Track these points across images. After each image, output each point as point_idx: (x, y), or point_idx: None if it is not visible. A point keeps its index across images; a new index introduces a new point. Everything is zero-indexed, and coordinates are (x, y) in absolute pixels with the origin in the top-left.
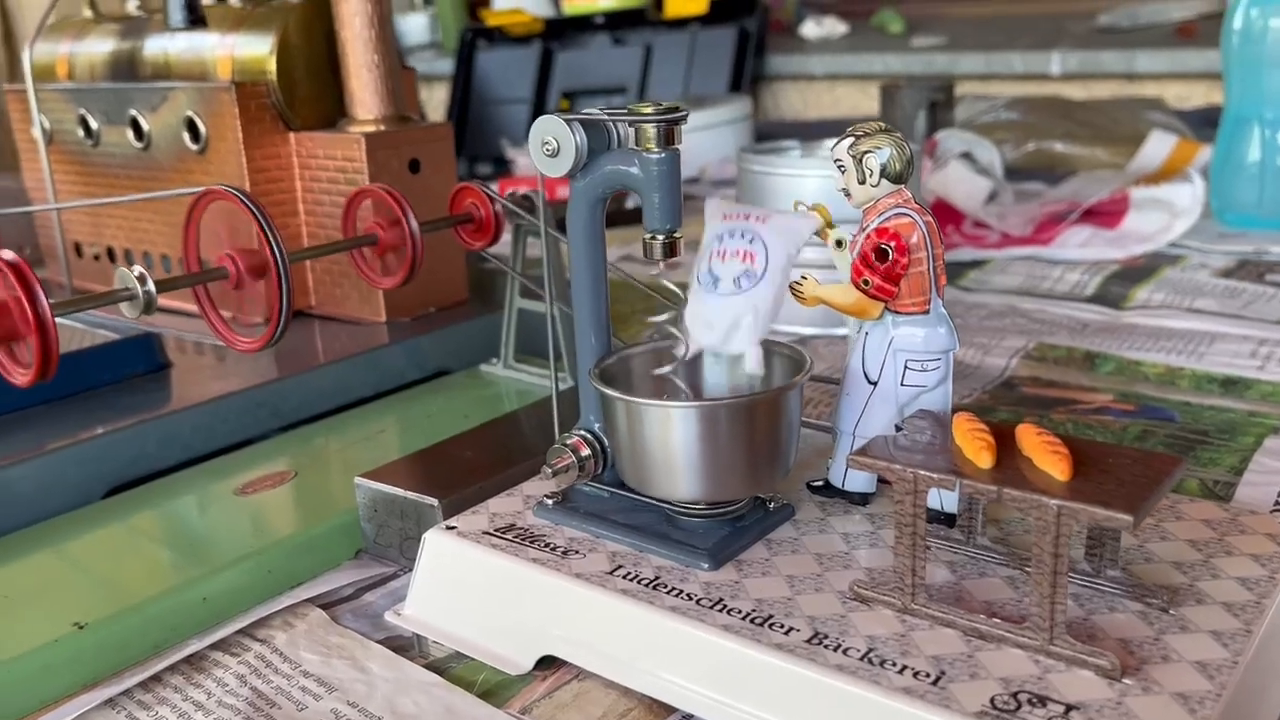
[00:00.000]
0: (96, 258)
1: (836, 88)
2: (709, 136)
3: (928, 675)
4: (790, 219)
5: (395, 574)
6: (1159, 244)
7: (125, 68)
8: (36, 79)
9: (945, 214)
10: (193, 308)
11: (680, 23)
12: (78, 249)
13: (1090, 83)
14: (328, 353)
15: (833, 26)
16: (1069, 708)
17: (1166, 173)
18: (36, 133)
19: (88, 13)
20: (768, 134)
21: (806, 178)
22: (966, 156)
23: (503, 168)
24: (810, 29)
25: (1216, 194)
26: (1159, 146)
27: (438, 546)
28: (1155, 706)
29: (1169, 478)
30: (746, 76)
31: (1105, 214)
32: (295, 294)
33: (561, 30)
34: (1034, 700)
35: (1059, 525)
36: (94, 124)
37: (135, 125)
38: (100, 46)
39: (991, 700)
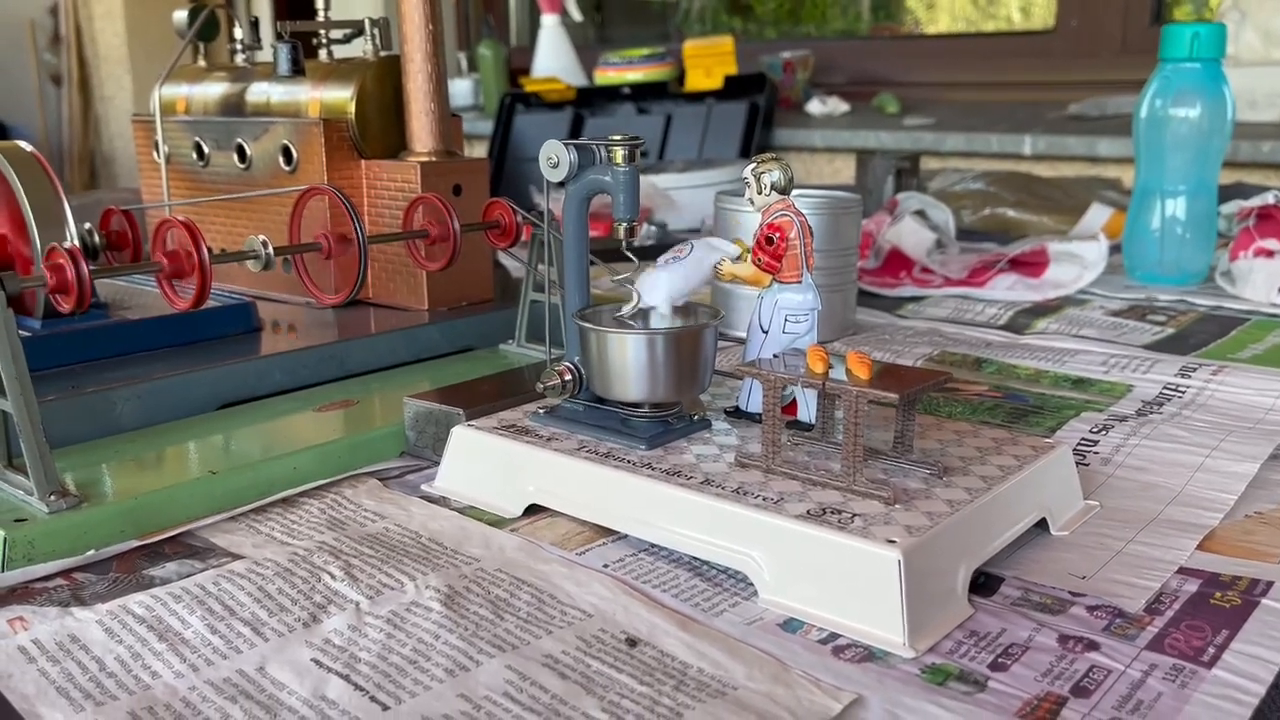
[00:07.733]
0: None
1: (836, 159)
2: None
3: (772, 499)
4: (716, 240)
5: (430, 465)
6: (1071, 290)
7: (234, 106)
8: (161, 114)
9: (898, 260)
10: (275, 293)
11: (698, 96)
12: None
13: (1057, 163)
14: (381, 327)
15: (835, 105)
16: (855, 515)
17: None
18: (159, 156)
19: (202, 63)
20: None
21: None
22: (920, 214)
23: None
24: (815, 106)
25: (1128, 254)
26: (1097, 216)
27: (461, 435)
28: (909, 517)
29: (932, 381)
30: (755, 145)
31: (1031, 264)
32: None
33: (591, 98)
34: (835, 512)
35: (857, 403)
36: (206, 149)
37: (240, 150)
38: (214, 89)
39: (808, 511)
